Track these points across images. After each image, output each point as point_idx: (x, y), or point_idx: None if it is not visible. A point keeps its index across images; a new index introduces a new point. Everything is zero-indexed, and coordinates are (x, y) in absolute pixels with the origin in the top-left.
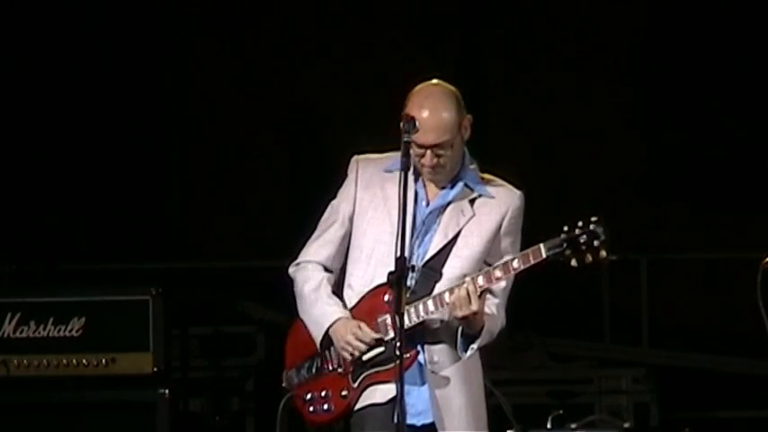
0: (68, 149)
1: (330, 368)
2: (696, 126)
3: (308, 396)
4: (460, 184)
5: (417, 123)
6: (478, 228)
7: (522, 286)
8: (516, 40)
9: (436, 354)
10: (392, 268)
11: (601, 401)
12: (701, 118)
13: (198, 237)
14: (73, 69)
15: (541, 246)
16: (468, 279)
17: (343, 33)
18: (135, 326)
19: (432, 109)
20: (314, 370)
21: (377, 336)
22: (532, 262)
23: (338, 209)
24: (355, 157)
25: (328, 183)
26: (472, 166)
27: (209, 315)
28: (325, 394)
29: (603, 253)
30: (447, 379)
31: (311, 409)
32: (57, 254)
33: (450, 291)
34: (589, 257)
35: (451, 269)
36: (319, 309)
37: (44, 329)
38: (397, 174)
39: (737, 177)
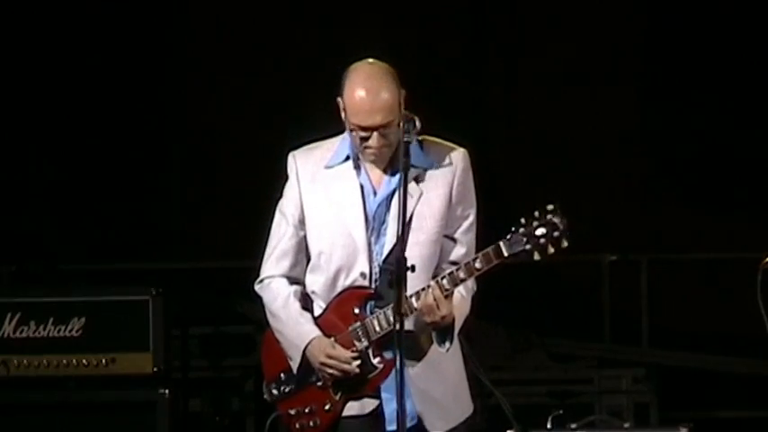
0: (68, 149)
1: (310, 381)
2: (697, 126)
3: (293, 411)
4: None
5: (359, 105)
6: (429, 207)
7: (523, 286)
8: (516, 41)
9: (411, 353)
10: (356, 270)
11: (601, 401)
12: (701, 118)
13: (198, 237)
14: (72, 69)
15: (501, 244)
16: (432, 284)
17: (343, 33)
18: (135, 326)
19: (375, 90)
20: (294, 384)
21: (351, 354)
22: (495, 262)
23: (287, 215)
24: (291, 154)
25: None
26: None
27: (209, 315)
28: (310, 410)
29: (565, 242)
30: (425, 374)
31: (298, 425)
32: (57, 254)
33: (417, 295)
34: (551, 249)
35: (411, 259)
36: (292, 329)
37: (44, 329)
38: (338, 168)
39: (737, 178)
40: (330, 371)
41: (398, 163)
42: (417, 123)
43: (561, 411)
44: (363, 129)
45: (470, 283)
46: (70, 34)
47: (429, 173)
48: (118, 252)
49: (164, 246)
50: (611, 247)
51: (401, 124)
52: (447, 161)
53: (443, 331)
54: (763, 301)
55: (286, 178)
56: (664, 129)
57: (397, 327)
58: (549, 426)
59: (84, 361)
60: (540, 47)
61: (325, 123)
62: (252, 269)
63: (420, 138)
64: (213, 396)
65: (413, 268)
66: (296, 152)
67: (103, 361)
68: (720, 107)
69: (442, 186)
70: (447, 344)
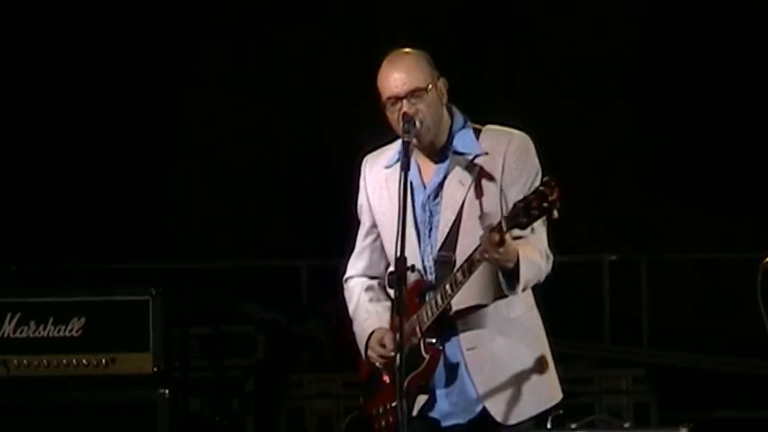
0: (68, 149)
1: (384, 381)
2: (697, 126)
3: (375, 412)
4: (451, 155)
5: (385, 78)
6: (479, 194)
7: None
8: (516, 41)
9: (472, 339)
10: (388, 272)
11: (601, 401)
12: (701, 118)
13: (198, 237)
14: (74, 71)
15: (502, 220)
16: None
17: (344, 33)
18: (135, 326)
19: (399, 62)
20: (374, 384)
21: (388, 342)
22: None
23: (362, 218)
24: (365, 158)
25: (329, 183)
26: (461, 128)
27: (209, 315)
28: (384, 408)
29: (555, 213)
30: (485, 361)
31: (376, 426)
32: (57, 254)
33: (449, 279)
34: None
35: (463, 247)
36: (358, 326)
37: (44, 329)
38: (394, 167)
39: (737, 177)
40: (377, 359)
41: (447, 151)
42: (418, 123)
43: (561, 411)
44: (395, 99)
45: (542, 247)
46: (71, 36)
47: (480, 160)
48: (118, 252)
49: (164, 246)
50: (611, 247)
51: (403, 124)
52: (499, 147)
53: (510, 275)
54: (763, 301)
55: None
56: (664, 129)
57: (398, 328)
58: (549, 426)
59: (84, 361)
60: (539, 47)
61: (327, 125)
62: (253, 269)
63: (479, 127)
64: (213, 396)
65: (412, 268)
66: (369, 156)
67: (103, 361)
68: (720, 107)
69: (494, 172)
70: (520, 286)
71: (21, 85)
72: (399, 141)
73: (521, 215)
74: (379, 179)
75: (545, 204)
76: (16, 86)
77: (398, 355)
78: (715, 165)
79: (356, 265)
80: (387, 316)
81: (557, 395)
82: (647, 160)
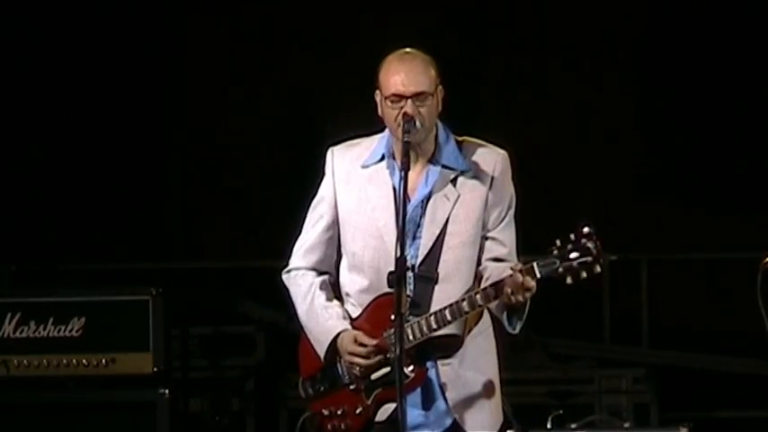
0: (68, 149)
1: (342, 383)
2: (697, 126)
3: (326, 412)
4: (438, 168)
5: (394, 74)
6: (465, 210)
7: None
8: (516, 40)
9: (448, 365)
10: (388, 272)
11: (601, 401)
12: (701, 118)
13: (198, 237)
14: (72, 69)
15: (535, 265)
16: (514, 267)
17: (344, 32)
18: (135, 326)
19: (410, 60)
20: (328, 384)
21: (375, 341)
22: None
23: (321, 211)
24: (330, 150)
25: None
26: (447, 142)
27: (209, 315)
28: (342, 412)
29: (598, 268)
30: (460, 376)
31: (330, 426)
32: (57, 254)
33: (468, 299)
34: (583, 274)
35: (445, 264)
36: (318, 326)
37: (44, 329)
38: (374, 168)
39: (737, 177)
40: (356, 361)
41: (435, 163)
42: (418, 123)
43: (561, 411)
44: (399, 97)
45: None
46: (72, 36)
47: (466, 175)
48: (118, 252)
49: (164, 246)
50: (611, 247)
51: (403, 124)
52: (485, 164)
53: (516, 312)
54: (763, 301)
55: (323, 174)
56: (664, 128)
57: (399, 327)
58: (549, 426)
59: (84, 361)
60: (539, 48)
61: (327, 124)
62: (253, 270)
63: (460, 139)
64: (213, 396)
65: (412, 268)
66: (335, 148)
67: (103, 361)
68: (721, 107)
69: (479, 189)
70: (518, 324)
71: (21, 86)
72: (372, 138)
73: (557, 264)
74: (353, 177)
75: (589, 259)
76: (17, 88)
77: (397, 353)
78: (716, 165)
79: (307, 258)
80: (345, 314)
81: (501, 418)
82: (647, 160)
